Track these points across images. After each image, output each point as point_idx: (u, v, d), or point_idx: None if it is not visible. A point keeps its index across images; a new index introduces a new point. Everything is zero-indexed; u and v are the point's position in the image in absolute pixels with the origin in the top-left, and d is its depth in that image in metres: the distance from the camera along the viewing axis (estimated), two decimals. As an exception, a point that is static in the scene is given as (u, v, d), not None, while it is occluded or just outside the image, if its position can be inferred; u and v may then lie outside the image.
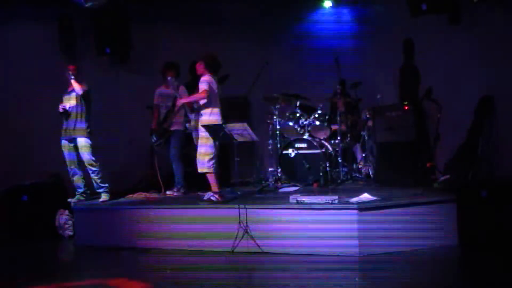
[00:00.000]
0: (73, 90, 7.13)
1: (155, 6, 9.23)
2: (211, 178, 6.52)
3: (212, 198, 6.47)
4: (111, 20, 8.95)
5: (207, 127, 6.47)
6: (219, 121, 6.52)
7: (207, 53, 6.72)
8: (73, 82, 7.05)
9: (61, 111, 7.14)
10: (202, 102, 6.51)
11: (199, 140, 6.55)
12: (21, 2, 8.57)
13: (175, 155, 7.58)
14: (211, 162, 6.47)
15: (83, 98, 7.13)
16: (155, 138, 7.64)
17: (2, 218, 7.60)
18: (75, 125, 7.10)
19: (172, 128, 7.58)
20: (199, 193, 7.00)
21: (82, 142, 7.11)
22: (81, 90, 7.04)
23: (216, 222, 6.22)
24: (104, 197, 7.19)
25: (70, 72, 7.06)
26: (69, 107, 7.16)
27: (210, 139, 6.47)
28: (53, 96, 7.44)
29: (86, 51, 9.03)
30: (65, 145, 7.20)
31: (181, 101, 6.88)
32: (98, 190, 7.23)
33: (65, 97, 7.23)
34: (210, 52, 6.78)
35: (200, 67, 6.64)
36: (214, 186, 6.53)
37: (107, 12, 8.77)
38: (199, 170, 6.55)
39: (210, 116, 6.50)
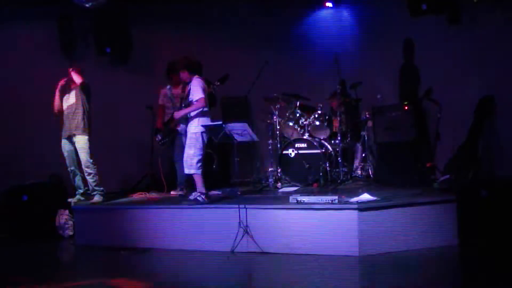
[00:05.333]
0: (73, 88, 7.15)
1: (155, 6, 9.23)
2: (198, 179, 6.54)
3: (198, 198, 6.49)
4: (111, 20, 8.97)
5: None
6: (209, 123, 6.56)
7: (183, 59, 6.70)
8: (73, 73, 7.09)
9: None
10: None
11: (188, 142, 6.59)
12: (21, 2, 8.57)
13: (180, 156, 7.57)
14: (199, 164, 6.51)
15: (84, 93, 7.13)
16: (159, 137, 7.65)
17: (2, 218, 7.60)
18: (74, 122, 7.11)
19: (178, 128, 7.57)
20: (208, 193, 7.00)
21: (81, 142, 7.11)
22: (80, 80, 7.07)
23: (216, 222, 6.22)
24: (96, 198, 7.18)
25: (71, 68, 7.10)
26: (69, 105, 7.16)
27: (199, 141, 6.51)
28: (53, 96, 7.43)
29: (86, 51, 9.04)
30: (65, 145, 7.19)
31: (178, 115, 6.85)
32: (92, 193, 7.23)
33: (65, 96, 7.25)
34: (184, 56, 6.78)
35: (185, 75, 6.67)
36: (201, 187, 6.55)
37: (107, 12, 8.77)
38: (186, 171, 6.61)
39: (200, 119, 6.54)
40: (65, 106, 7.22)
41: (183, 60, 6.70)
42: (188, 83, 6.74)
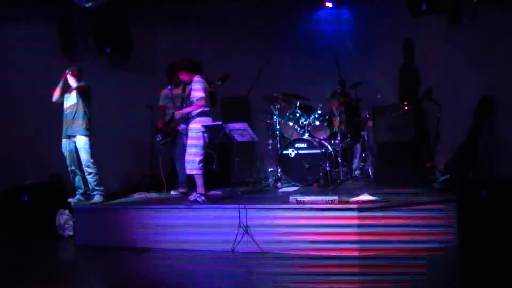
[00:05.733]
0: (74, 89, 7.16)
1: (155, 6, 9.23)
2: (199, 180, 6.56)
3: (198, 199, 6.50)
4: (111, 20, 8.97)
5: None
6: (210, 122, 6.57)
7: (182, 61, 6.76)
8: (68, 77, 7.08)
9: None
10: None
11: (189, 142, 6.62)
12: (20, 2, 8.58)
13: (181, 155, 7.56)
14: (201, 165, 6.53)
15: (82, 96, 7.13)
16: (160, 137, 7.65)
17: (2, 218, 7.59)
18: (74, 122, 7.12)
19: (179, 128, 7.54)
20: (208, 193, 7.00)
21: (81, 142, 7.12)
22: (76, 84, 7.06)
23: (216, 222, 6.23)
24: (97, 198, 7.19)
25: (68, 70, 7.10)
26: (69, 105, 7.17)
27: (200, 141, 6.53)
28: (52, 96, 7.43)
29: (86, 51, 9.05)
30: (66, 145, 7.20)
31: (178, 115, 6.85)
32: (92, 193, 7.24)
33: (66, 96, 7.26)
34: (182, 59, 6.84)
35: (184, 75, 6.69)
36: (201, 188, 6.57)
37: (107, 12, 8.78)
38: (188, 172, 6.65)
39: (201, 119, 6.56)
40: (66, 106, 7.23)
41: (180, 62, 6.73)
42: (188, 83, 6.76)
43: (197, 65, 6.75)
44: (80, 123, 7.12)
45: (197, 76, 6.64)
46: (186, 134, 6.82)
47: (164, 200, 7.34)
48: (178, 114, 6.84)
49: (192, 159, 6.52)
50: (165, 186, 7.90)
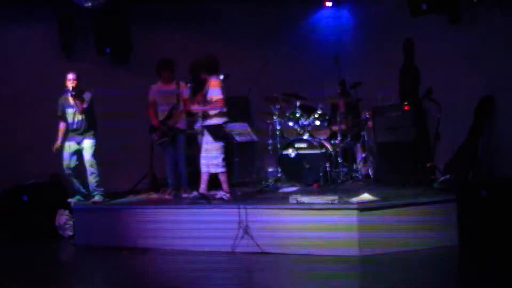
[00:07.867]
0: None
1: (155, 6, 9.24)
2: (223, 177, 6.68)
3: (224, 197, 6.55)
4: (111, 20, 8.98)
5: (207, 127, 6.52)
6: (225, 122, 6.65)
7: (205, 57, 6.78)
8: (71, 99, 7.11)
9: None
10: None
11: (210, 141, 6.66)
12: (20, 2, 8.58)
13: (183, 155, 7.52)
14: (224, 162, 6.65)
15: (86, 111, 7.19)
16: (156, 137, 7.53)
17: (2, 218, 7.60)
18: (84, 134, 7.21)
19: (180, 127, 7.50)
20: (208, 192, 6.98)
21: (89, 143, 7.21)
22: (81, 108, 7.12)
23: (216, 222, 6.23)
24: (97, 198, 7.21)
25: (71, 86, 7.08)
26: (76, 121, 7.19)
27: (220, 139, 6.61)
28: (53, 96, 7.44)
29: (86, 51, 9.05)
30: (70, 148, 7.20)
31: (195, 109, 6.87)
32: (93, 193, 7.25)
33: (68, 110, 7.24)
34: (206, 54, 6.84)
35: (203, 74, 6.76)
36: (226, 185, 6.69)
37: (107, 12, 8.79)
38: (213, 171, 6.72)
39: (219, 119, 6.64)
40: (73, 120, 7.23)
41: (203, 59, 6.75)
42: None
43: (217, 64, 6.78)
44: (89, 131, 7.23)
45: (214, 76, 6.69)
46: (202, 133, 6.84)
47: (164, 200, 7.33)
48: (195, 109, 6.86)
49: (216, 157, 6.63)
50: (173, 188, 7.84)
